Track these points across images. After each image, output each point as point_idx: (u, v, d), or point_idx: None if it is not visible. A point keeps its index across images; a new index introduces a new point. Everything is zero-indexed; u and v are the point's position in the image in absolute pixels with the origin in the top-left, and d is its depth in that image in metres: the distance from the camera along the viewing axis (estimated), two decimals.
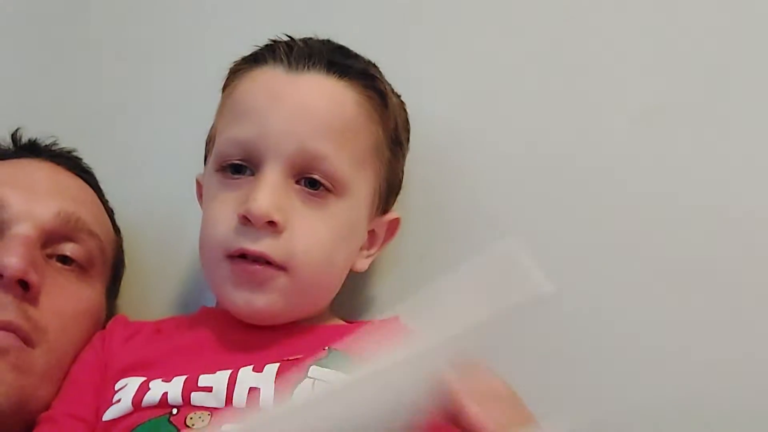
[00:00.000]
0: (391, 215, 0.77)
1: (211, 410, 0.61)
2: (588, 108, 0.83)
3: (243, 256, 0.67)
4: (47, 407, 0.70)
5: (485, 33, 0.87)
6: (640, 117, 0.81)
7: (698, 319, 0.76)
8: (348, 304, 0.79)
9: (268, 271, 0.67)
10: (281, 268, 0.67)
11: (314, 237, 0.68)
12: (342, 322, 0.75)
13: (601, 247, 0.79)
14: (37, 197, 0.74)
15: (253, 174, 0.68)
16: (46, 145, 0.84)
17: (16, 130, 0.84)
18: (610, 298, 0.78)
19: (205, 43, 0.89)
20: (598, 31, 0.84)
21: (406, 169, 0.80)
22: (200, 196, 0.78)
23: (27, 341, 0.69)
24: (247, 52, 0.76)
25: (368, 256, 0.76)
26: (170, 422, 0.60)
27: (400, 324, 0.73)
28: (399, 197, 0.80)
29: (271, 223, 0.66)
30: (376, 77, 0.75)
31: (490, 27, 0.87)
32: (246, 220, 0.66)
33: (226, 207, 0.68)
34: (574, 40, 0.85)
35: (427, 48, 0.88)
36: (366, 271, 0.77)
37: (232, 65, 0.76)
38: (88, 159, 0.86)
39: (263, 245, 0.66)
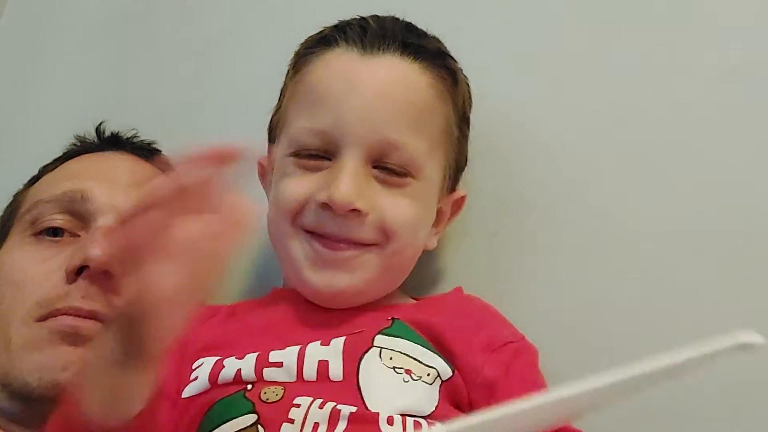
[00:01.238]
0: (458, 193, 0.77)
1: (284, 384, 0.61)
2: (663, 72, 0.79)
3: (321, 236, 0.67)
4: None
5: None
6: (719, 79, 0.77)
7: None
8: (416, 282, 0.79)
9: (353, 249, 0.67)
10: (372, 244, 0.67)
11: (400, 214, 0.68)
12: (412, 301, 0.75)
13: (680, 221, 0.76)
14: (120, 189, 0.76)
15: (330, 159, 0.68)
16: (127, 138, 0.87)
17: (100, 124, 0.87)
18: (692, 275, 0.75)
19: (274, 34, 0.90)
20: None
21: (472, 145, 0.79)
22: (262, 176, 0.78)
23: None
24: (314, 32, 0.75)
25: (436, 234, 0.75)
26: (246, 397, 0.61)
27: (463, 295, 0.73)
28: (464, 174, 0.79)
29: (355, 211, 0.66)
30: (448, 56, 0.75)
31: None
32: (327, 207, 0.66)
33: (302, 186, 0.68)
34: (645, 6, 0.82)
35: (492, 22, 0.87)
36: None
37: (300, 48, 0.76)
38: (168, 150, 0.87)
39: (348, 232, 0.67)
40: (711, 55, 0.78)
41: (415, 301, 0.75)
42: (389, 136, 0.67)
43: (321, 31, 0.75)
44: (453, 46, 0.77)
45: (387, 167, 0.68)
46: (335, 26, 0.74)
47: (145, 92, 1.01)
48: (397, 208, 0.68)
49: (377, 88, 0.69)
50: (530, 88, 0.84)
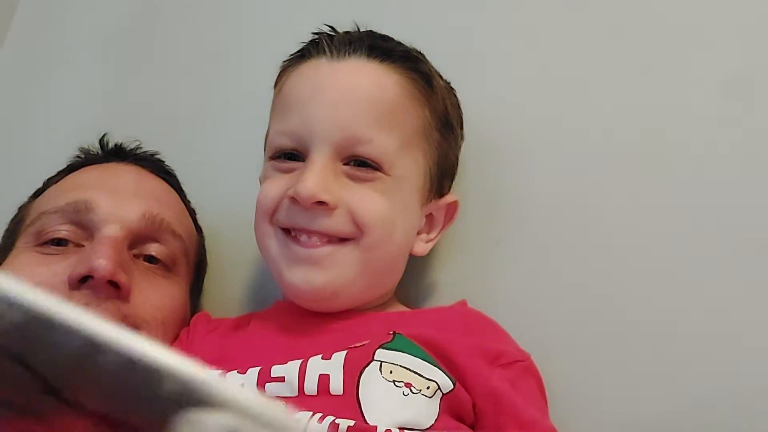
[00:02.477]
0: (448, 198, 0.77)
1: (285, 399, 0.62)
2: (671, 79, 0.79)
3: (297, 238, 0.69)
4: None
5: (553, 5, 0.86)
6: (728, 87, 0.76)
7: None
8: (411, 291, 0.79)
9: (329, 246, 0.68)
10: (347, 238, 0.68)
11: (370, 207, 0.69)
12: (407, 309, 0.76)
13: (682, 228, 0.75)
14: (124, 200, 0.77)
15: (303, 160, 0.70)
16: (131, 149, 0.87)
17: (103, 136, 0.88)
18: (694, 282, 0.74)
19: (278, 46, 0.91)
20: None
21: (470, 154, 0.79)
22: None
23: None
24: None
25: (428, 241, 0.76)
26: None
27: (467, 309, 0.73)
28: (464, 183, 0.79)
29: (321, 204, 0.67)
30: (419, 59, 0.75)
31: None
32: (295, 201, 0.68)
33: (277, 186, 0.70)
34: (653, 11, 0.82)
35: (491, 30, 0.87)
36: (428, 257, 0.77)
37: (282, 64, 0.78)
38: (170, 161, 0.89)
39: (318, 224, 0.68)
40: (711, 63, 0.78)
41: (410, 310, 0.75)
42: (355, 131, 0.69)
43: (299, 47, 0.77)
44: (457, 56, 0.78)
45: (357, 162, 0.69)
46: (310, 40, 0.76)
47: (148, 104, 1.02)
48: (366, 200, 0.68)
49: (342, 86, 0.70)
50: (530, 96, 0.84)
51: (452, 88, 0.79)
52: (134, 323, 0.72)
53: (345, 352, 0.64)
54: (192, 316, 0.80)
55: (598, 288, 0.77)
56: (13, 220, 0.82)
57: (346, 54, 0.72)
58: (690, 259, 0.74)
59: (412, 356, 0.64)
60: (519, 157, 0.82)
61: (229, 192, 0.94)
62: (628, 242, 0.76)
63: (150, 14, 1.07)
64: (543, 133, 0.82)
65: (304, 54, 0.75)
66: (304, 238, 0.69)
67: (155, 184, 0.83)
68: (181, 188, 0.87)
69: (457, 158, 0.79)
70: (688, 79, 0.78)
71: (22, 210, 0.82)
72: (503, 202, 0.82)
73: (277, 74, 0.78)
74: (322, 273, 0.68)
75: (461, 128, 0.79)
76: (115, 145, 0.87)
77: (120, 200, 0.76)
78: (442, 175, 0.76)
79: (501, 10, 0.88)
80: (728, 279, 0.73)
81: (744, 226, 0.73)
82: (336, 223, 0.68)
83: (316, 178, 0.67)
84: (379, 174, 0.69)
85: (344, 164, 0.69)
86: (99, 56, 1.08)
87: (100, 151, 0.87)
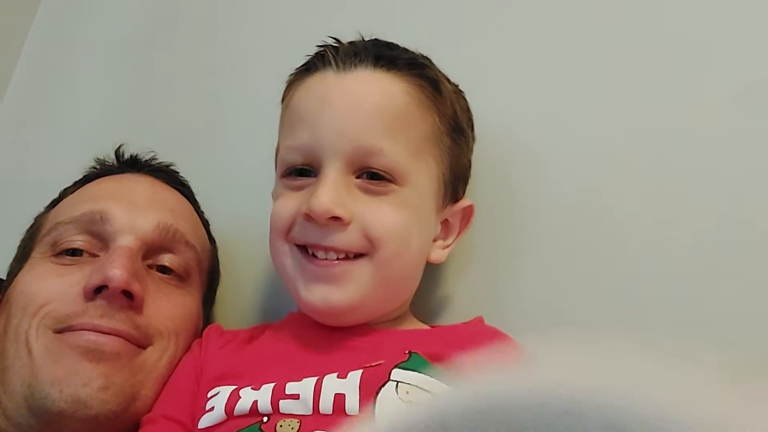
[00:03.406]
0: (463, 203, 0.76)
1: (300, 417, 0.62)
2: (686, 86, 0.78)
3: (314, 255, 0.68)
4: (150, 410, 0.72)
5: (563, 12, 0.85)
6: (743, 94, 0.76)
7: None
8: (426, 303, 0.79)
9: (344, 264, 0.68)
10: (361, 254, 0.68)
11: (384, 221, 0.68)
12: (423, 326, 0.75)
13: (702, 239, 0.74)
14: (138, 210, 0.77)
15: (315, 176, 0.70)
16: (146, 160, 0.88)
17: (119, 147, 0.88)
18: (713, 290, 0.73)
19: (291, 56, 0.91)
20: (695, 6, 0.80)
21: (483, 163, 0.78)
22: None
23: (138, 345, 0.72)
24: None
25: (445, 247, 0.75)
26: (261, 430, 0.61)
27: (483, 326, 0.73)
28: (477, 193, 0.79)
29: (336, 219, 0.67)
30: (426, 65, 0.75)
31: (572, 9, 0.85)
32: (309, 218, 0.67)
33: (291, 203, 0.70)
34: (664, 16, 0.81)
35: (503, 35, 0.87)
36: (442, 268, 0.76)
37: (288, 78, 0.78)
38: (185, 172, 0.89)
39: (333, 240, 0.67)
40: (727, 74, 0.77)
41: (430, 328, 0.75)
42: (365, 142, 0.68)
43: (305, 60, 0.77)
44: (464, 63, 0.77)
45: (370, 174, 0.69)
46: (315, 53, 0.75)
47: (163, 116, 1.03)
48: (380, 214, 0.68)
49: (349, 98, 0.70)
50: (545, 105, 0.83)
51: (461, 91, 0.79)
52: (146, 333, 0.72)
53: (361, 371, 0.64)
54: (204, 326, 0.80)
55: (615, 298, 0.76)
56: (29, 230, 0.83)
57: (353, 65, 0.71)
58: (711, 270, 0.73)
59: (428, 376, 0.64)
60: (533, 166, 0.82)
61: (242, 203, 0.94)
62: (646, 253, 0.76)
63: (166, 25, 1.07)
64: (558, 143, 0.82)
65: (309, 67, 0.75)
66: (320, 254, 0.69)
67: (170, 195, 0.84)
68: (195, 199, 0.88)
69: (470, 161, 0.78)
70: (703, 95, 0.77)
71: (39, 220, 0.83)
72: (517, 212, 0.81)
73: (285, 89, 0.78)
74: (339, 291, 0.68)
75: (472, 130, 0.79)
76: (131, 156, 0.88)
77: (134, 211, 0.77)
78: (456, 180, 0.76)
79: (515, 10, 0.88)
80: (751, 289, 0.72)
81: (759, 243, 0.72)
82: (351, 239, 0.68)
83: (330, 193, 0.67)
84: (392, 186, 0.69)
85: (356, 177, 0.69)
86: (115, 68, 1.08)
87: (115, 162, 0.88)
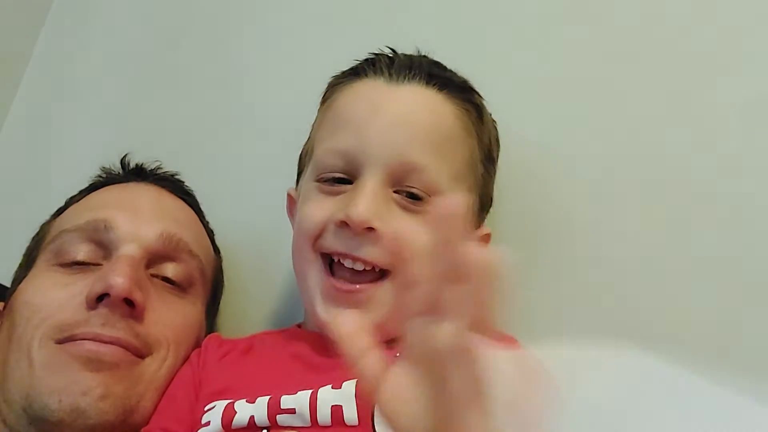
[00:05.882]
0: (482, 230, 0.76)
1: (299, 429, 0.61)
2: (690, 103, 0.78)
3: (340, 263, 0.67)
4: (148, 422, 0.71)
5: (575, 30, 0.86)
6: (747, 110, 0.76)
7: None
8: None
9: (369, 289, 0.67)
10: (384, 273, 0.67)
11: (417, 238, 0.65)
12: None
13: (705, 251, 0.75)
14: (142, 219, 0.77)
15: (351, 183, 0.69)
16: (151, 170, 0.88)
17: (125, 156, 0.88)
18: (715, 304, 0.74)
19: (298, 67, 0.91)
20: (698, 22, 0.81)
21: (501, 185, 0.78)
22: (290, 210, 0.78)
23: (137, 355, 0.71)
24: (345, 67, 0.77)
25: None
26: None
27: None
28: (496, 214, 0.79)
29: (370, 230, 0.66)
30: (474, 91, 0.75)
31: (580, 26, 0.86)
32: (344, 225, 0.66)
33: (324, 209, 0.69)
34: (671, 33, 0.81)
35: (521, 59, 0.87)
36: None
37: (331, 79, 0.77)
38: (190, 182, 0.89)
39: (363, 251, 0.66)
40: (735, 85, 0.77)
41: None
42: (410, 158, 0.67)
43: (353, 65, 0.76)
44: (482, 85, 0.77)
45: (407, 192, 0.68)
46: (366, 59, 0.75)
47: (169, 126, 1.03)
48: (412, 234, 0.67)
49: (400, 111, 0.69)
50: (557, 121, 0.84)
51: (494, 121, 0.78)
52: (146, 342, 0.72)
53: (355, 381, 0.63)
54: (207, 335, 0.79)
55: (617, 304, 0.76)
56: (34, 237, 0.83)
57: (406, 78, 0.71)
58: (730, 283, 0.73)
59: None
60: (533, 174, 0.82)
61: (247, 213, 0.94)
62: (664, 266, 0.76)
63: (173, 35, 1.08)
64: (558, 149, 0.82)
65: (358, 72, 0.74)
66: (348, 262, 0.67)
67: (174, 204, 0.84)
68: (200, 209, 0.88)
69: (493, 191, 0.78)
70: (712, 106, 0.78)
71: (44, 228, 0.83)
72: (530, 227, 0.82)
73: (326, 89, 0.77)
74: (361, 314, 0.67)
75: (497, 161, 0.79)
76: (136, 165, 0.88)
77: (138, 219, 0.77)
78: (482, 208, 0.76)
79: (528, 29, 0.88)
80: (752, 297, 0.72)
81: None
82: (381, 253, 0.66)
83: (368, 203, 0.66)
84: (428, 207, 0.68)
85: (394, 191, 0.68)
86: (122, 77, 1.09)
87: (121, 171, 0.88)
